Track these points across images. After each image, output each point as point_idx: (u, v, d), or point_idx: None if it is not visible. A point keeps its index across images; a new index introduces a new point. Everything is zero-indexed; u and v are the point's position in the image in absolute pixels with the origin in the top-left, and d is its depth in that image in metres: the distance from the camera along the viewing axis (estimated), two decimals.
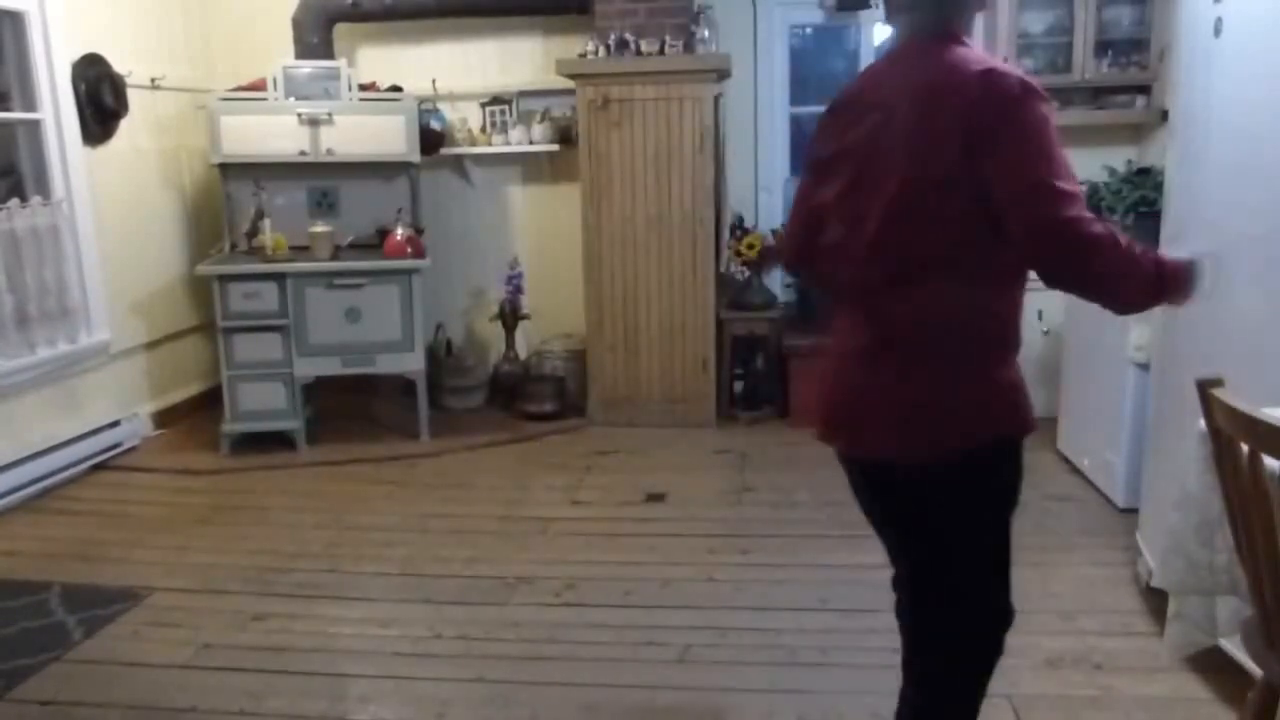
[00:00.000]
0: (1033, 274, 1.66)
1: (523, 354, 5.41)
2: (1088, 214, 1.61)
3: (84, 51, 4.47)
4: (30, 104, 4.26)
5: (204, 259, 4.86)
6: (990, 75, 1.62)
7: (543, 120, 5.24)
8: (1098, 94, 4.90)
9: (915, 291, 1.71)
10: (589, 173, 4.84)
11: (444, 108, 5.31)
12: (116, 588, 3.28)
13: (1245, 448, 1.63)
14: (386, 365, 4.80)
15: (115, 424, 4.59)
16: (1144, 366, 3.47)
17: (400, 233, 4.75)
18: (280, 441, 4.68)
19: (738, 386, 5.14)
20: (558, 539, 3.69)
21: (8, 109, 4.23)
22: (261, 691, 2.67)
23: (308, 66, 4.91)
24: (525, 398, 5.15)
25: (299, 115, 4.80)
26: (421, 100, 5.15)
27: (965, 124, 1.61)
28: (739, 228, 5.09)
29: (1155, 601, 2.91)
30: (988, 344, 1.75)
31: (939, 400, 1.72)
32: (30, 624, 3.05)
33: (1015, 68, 1.74)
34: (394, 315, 4.71)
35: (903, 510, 1.86)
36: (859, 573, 3.30)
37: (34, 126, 4.29)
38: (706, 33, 4.80)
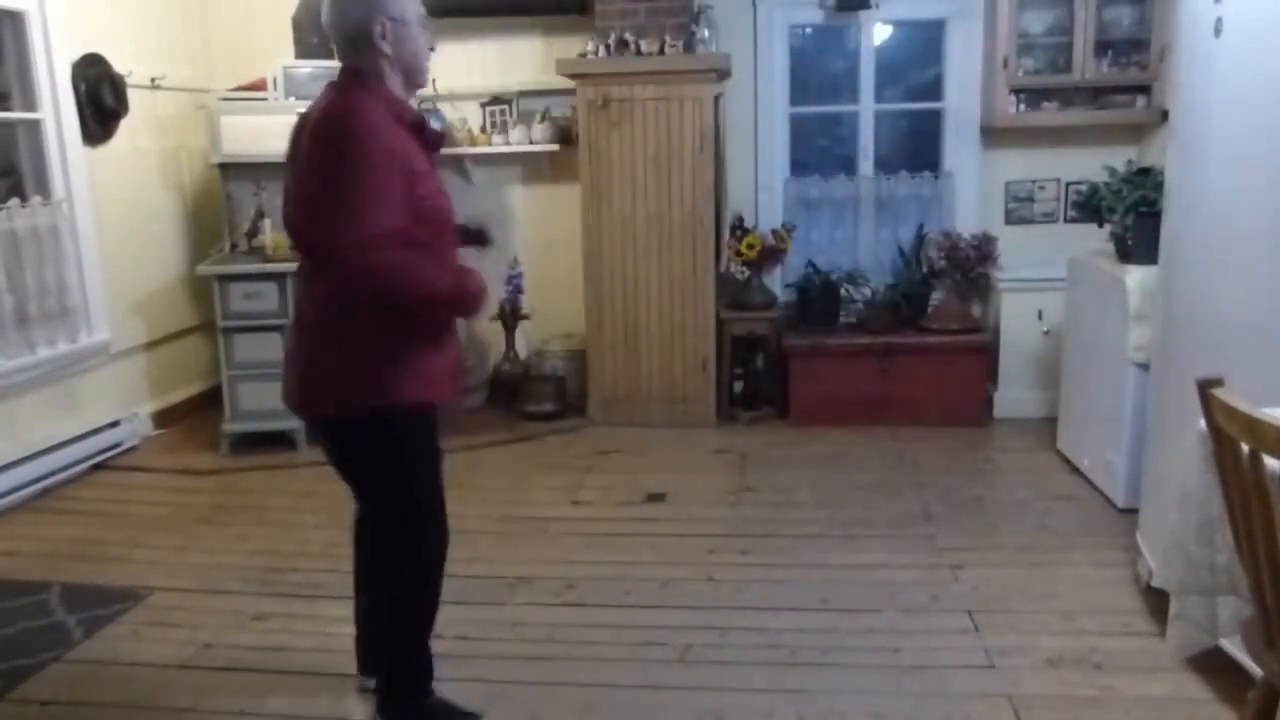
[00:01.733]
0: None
1: (523, 354, 5.41)
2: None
3: (84, 51, 4.47)
4: (30, 104, 4.27)
5: (204, 259, 4.86)
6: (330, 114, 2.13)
7: (543, 120, 5.24)
8: (1098, 94, 4.90)
9: (314, 281, 2.22)
10: (589, 173, 4.84)
11: (444, 108, 5.31)
12: (117, 588, 3.28)
13: (1245, 448, 1.63)
14: None
15: (115, 424, 4.60)
16: (1144, 366, 3.47)
17: None
18: (280, 441, 4.68)
19: (738, 386, 5.14)
20: (558, 539, 3.69)
21: (8, 109, 4.23)
22: (261, 691, 2.67)
23: (308, 66, 4.91)
24: (525, 398, 5.15)
25: (299, 115, 4.78)
26: (421, 100, 5.14)
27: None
28: (739, 228, 5.08)
29: (1155, 601, 2.91)
30: (363, 328, 2.15)
31: (324, 369, 2.22)
32: (30, 624, 3.05)
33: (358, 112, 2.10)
34: None
35: (328, 453, 2.36)
36: (859, 573, 3.31)
37: (34, 126, 4.29)
38: (706, 33, 4.80)
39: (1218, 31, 2.57)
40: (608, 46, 4.74)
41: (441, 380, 2.31)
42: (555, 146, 5.22)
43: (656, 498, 4.06)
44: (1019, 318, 4.83)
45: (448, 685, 2.68)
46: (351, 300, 2.14)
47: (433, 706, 2.46)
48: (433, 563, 2.40)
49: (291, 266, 4.53)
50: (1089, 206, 3.91)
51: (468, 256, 2.40)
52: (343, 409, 2.22)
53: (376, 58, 2.17)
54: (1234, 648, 2.46)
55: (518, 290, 5.29)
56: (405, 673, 2.44)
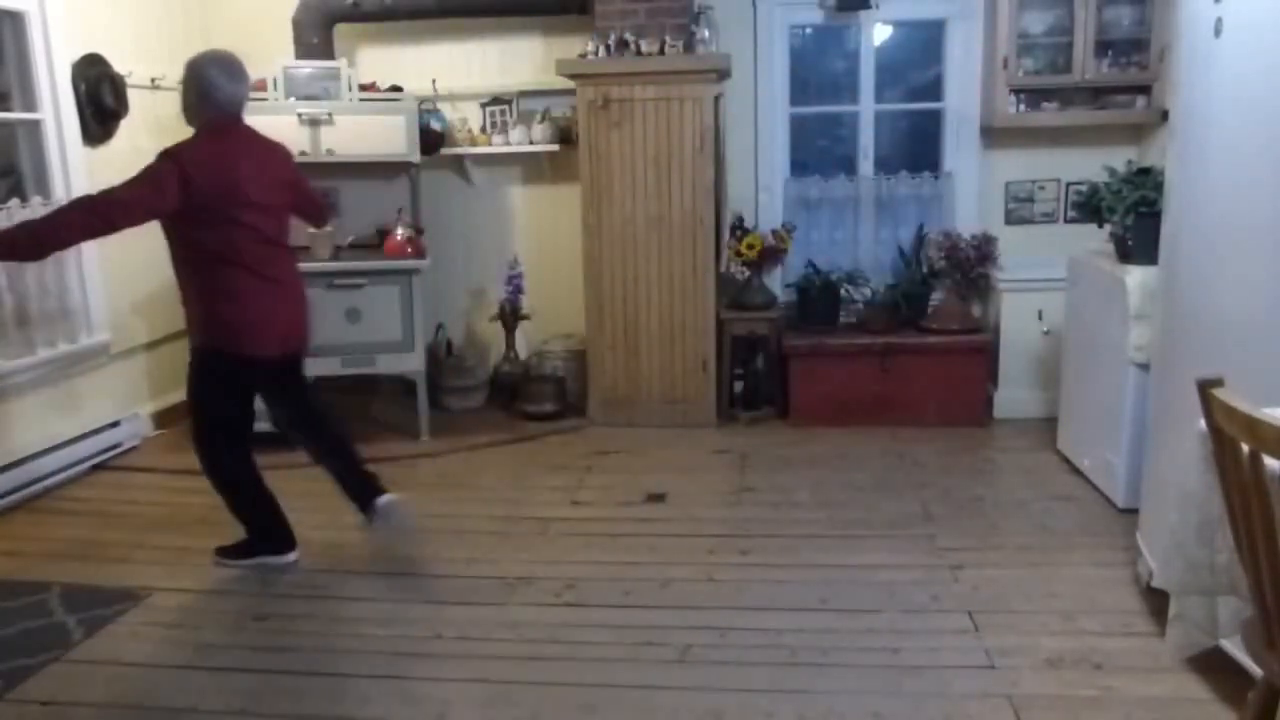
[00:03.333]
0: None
1: (523, 354, 5.41)
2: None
3: (84, 51, 4.47)
4: (30, 104, 4.27)
5: None
6: None
7: (543, 120, 5.24)
8: (1098, 94, 4.90)
9: (290, 252, 3.42)
10: (589, 173, 4.84)
11: (444, 108, 5.31)
12: (117, 588, 3.28)
13: (1245, 448, 1.63)
14: (386, 365, 4.80)
15: (115, 424, 4.60)
16: (1144, 366, 3.47)
17: (400, 233, 4.75)
18: (280, 441, 4.66)
19: (738, 386, 5.14)
20: (558, 539, 3.69)
21: (8, 109, 4.23)
22: (261, 691, 2.67)
23: (308, 67, 4.91)
24: (525, 398, 5.15)
25: (299, 115, 4.80)
26: (421, 100, 5.15)
27: None
28: (739, 228, 5.08)
29: (1155, 602, 2.91)
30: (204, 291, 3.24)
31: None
32: (30, 624, 3.05)
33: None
34: (394, 315, 4.70)
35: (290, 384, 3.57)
36: (859, 573, 3.31)
37: (34, 126, 4.29)
38: (706, 33, 4.80)
39: (1218, 31, 2.57)
40: (608, 47, 4.74)
41: None
42: (555, 147, 5.22)
43: (656, 498, 4.06)
44: (1019, 318, 4.83)
45: (449, 685, 2.69)
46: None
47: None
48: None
49: None
50: (1089, 206, 3.91)
51: None
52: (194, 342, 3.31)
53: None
54: (1234, 648, 2.46)
55: (518, 290, 5.29)
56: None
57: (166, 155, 3.03)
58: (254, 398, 3.43)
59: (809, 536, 3.64)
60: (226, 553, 3.46)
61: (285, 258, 3.33)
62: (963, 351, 4.86)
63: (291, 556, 3.46)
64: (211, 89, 3.10)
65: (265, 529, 3.45)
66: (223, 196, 3.07)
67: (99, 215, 2.94)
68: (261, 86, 4.87)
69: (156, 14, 5.05)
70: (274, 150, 3.32)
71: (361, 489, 3.45)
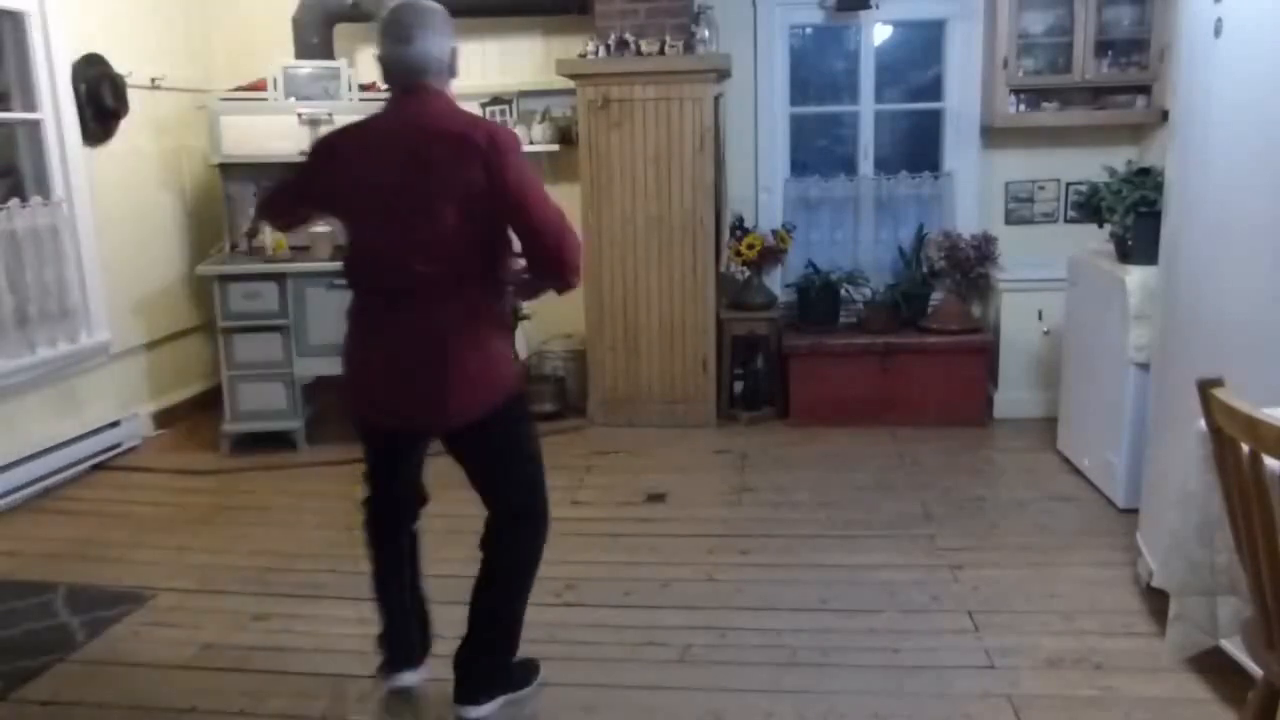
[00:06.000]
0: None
1: (523, 354, 5.41)
2: None
3: (84, 51, 4.47)
4: (30, 104, 4.26)
5: (204, 259, 4.86)
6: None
7: (543, 120, 5.24)
8: (1098, 94, 4.89)
9: (447, 296, 2.32)
10: (589, 173, 4.84)
11: None
12: (120, 589, 3.28)
13: (1245, 448, 1.63)
14: None
15: (115, 424, 4.59)
16: (1144, 366, 3.47)
17: None
18: (280, 441, 4.68)
19: (738, 386, 5.14)
20: (558, 539, 3.64)
21: (8, 109, 4.23)
22: (261, 691, 2.67)
23: (308, 67, 4.91)
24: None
25: (299, 115, 4.79)
26: None
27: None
28: (739, 228, 5.08)
29: (1156, 602, 2.91)
30: (495, 329, 2.47)
31: (469, 373, 2.35)
32: (34, 625, 3.05)
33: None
34: None
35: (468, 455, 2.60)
36: (859, 573, 3.31)
37: (34, 126, 4.29)
38: (706, 33, 4.80)
39: (1218, 31, 2.57)
40: (608, 47, 4.74)
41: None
42: (555, 146, 5.22)
43: (656, 498, 4.06)
44: (1019, 318, 4.83)
45: (448, 685, 2.68)
46: (485, 306, 2.37)
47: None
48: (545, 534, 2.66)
49: (291, 267, 4.61)
50: (1089, 206, 3.91)
51: None
52: (488, 405, 2.37)
53: (447, 77, 2.35)
54: (1234, 648, 2.46)
55: None
56: (515, 641, 2.59)
57: None
58: (395, 470, 2.67)
59: (809, 536, 3.63)
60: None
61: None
62: (963, 351, 4.85)
63: (398, 678, 2.59)
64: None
65: (384, 634, 2.63)
66: None
67: None
68: (261, 86, 4.88)
69: (156, 14, 5.05)
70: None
71: (401, 642, 2.61)
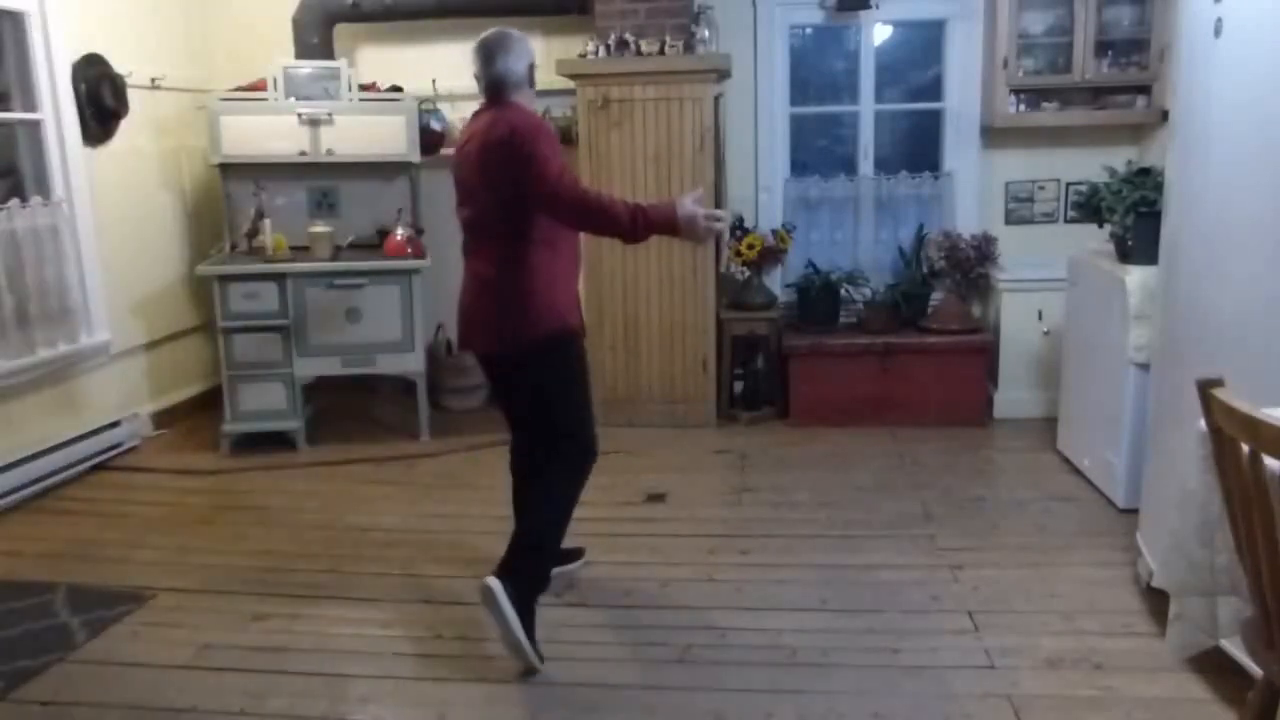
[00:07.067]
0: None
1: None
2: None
3: (84, 51, 4.46)
4: (30, 104, 4.27)
5: (204, 259, 4.86)
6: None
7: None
8: (1098, 94, 4.90)
9: (499, 242, 2.86)
10: (589, 173, 4.83)
11: (444, 108, 5.31)
12: (120, 589, 3.28)
13: (1245, 448, 1.63)
14: (386, 365, 4.80)
15: (115, 424, 4.59)
16: (1144, 366, 3.47)
17: (400, 233, 4.75)
18: (280, 441, 4.68)
19: (738, 386, 5.14)
20: None
21: (8, 109, 4.23)
22: (261, 691, 2.67)
23: (308, 67, 4.91)
24: None
25: (299, 115, 4.80)
26: (421, 100, 5.15)
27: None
28: (739, 228, 5.08)
29: (1156, 602, 2.91)
30: (542, 271, 2.87)
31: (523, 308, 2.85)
32: (34, 625, 3.05)
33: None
34: (394, 315, 4.71)
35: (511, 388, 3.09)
36: (859, 573, 3.31)
37: (34, 126, 4.29)
38: (706, 33, 4.80)
39: (1218, 31, 2.57)
40: (608, 47, 4.74)
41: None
42: None
43: (656, 498, 4.06)
44: (1019, 318, 4.83)
45: (449, 685, 2.69)
46: (531, 251, 2.80)
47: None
48: (587, 469, 3.01)
49: (291, 267, 4.62)
50: (1089, 207, 3.91)
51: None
52: (534, 338, 2.83)
53: (526, 88, 2.97)
54: (1234, 648, 2.46)
55: None
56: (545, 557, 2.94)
57: None
58: (510, 402, 3.11)
59: (809, 536, 3.64)
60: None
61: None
62: (963, 351, 4.85)
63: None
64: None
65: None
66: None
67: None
68: (261, 86, 4.88)
69: (156, 14, 5.05)
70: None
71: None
